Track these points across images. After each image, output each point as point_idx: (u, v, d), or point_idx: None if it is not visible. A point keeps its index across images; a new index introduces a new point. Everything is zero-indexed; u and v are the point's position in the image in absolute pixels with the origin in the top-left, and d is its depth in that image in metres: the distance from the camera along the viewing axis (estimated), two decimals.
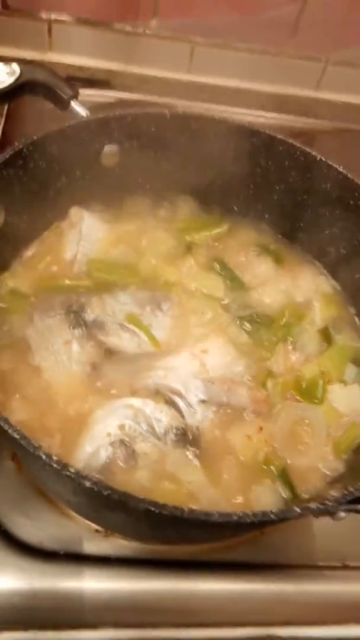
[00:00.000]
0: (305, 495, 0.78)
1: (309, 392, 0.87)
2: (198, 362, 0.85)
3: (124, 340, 0.86)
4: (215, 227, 1.05)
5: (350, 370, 0.90)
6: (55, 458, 0.57)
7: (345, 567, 0.89)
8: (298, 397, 0.87)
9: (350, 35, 1.54)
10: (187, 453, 0.79)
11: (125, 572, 0.84)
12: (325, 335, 0.94)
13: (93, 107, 1.38)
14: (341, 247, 0.99)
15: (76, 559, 0.84)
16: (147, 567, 0.85)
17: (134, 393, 0.82)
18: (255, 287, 0.98)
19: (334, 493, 0.68)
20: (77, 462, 0.75)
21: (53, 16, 1.48)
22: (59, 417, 0.80)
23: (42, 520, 0.86)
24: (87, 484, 0.56)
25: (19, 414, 0.79)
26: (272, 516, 0.58)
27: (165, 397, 0.82)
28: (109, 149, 0.96)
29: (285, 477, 0.79)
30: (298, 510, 0.59)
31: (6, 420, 0.59)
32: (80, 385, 0.83)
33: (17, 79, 0.93)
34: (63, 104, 0.96)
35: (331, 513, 0.64)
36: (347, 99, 1.71)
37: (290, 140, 0.96)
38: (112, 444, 0.76)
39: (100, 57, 1.60)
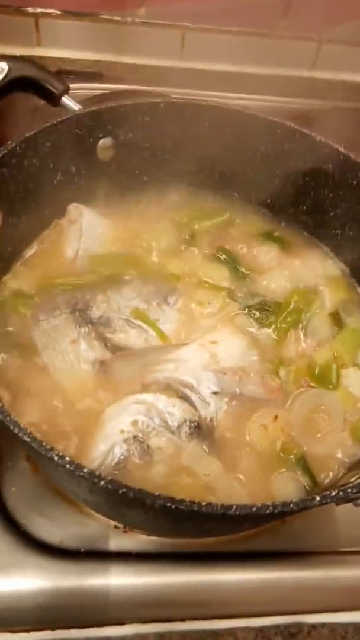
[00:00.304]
0: (325, 482, 0.77)
1: (323, 378, 0.85)
2: (208, 354, 0.84)
3: (132, 336, 0.85)
4: (217, 215, 1.03)
5: None
6: (68, 459, 0.56)
7: None
8: (312, 384, 0.85)
9: (343, 12, 1.51)
10: (202, 445, 0.78)
11: (147, 566, 0.83)
12: (336, 319, 0.92)
13: (86, 101, 1.38)
14: (347, 228, 0.97)
15: (97, 556, 0.83)
16: (169, 561, 0.84)
17: (145, 388, 0.81)
18: (261, 275, 0.96)
19: (355, 479, 0.67)
20: (92, 461, 0.74)
21: (39, 10, 1.46)
22: (71, 416, 0.79)
23: (60, 519, 0.85)
24: (102, 483, 0.55)
25: (31, 415, 0.79)
26: (292, 506, 0.57)
27: (177, 390, 0.81)
28: (104, 142, 0.94)
29: (304, 465, 0.78)
30: (318, 499, 0.58)
31: (16, 424, 0.58)
32: (90, 383, 0.82)
33: (5, 77, 0.91)
34: (54, 100, 0.94)
35: (353, 499, 0.63)
36: (343, 77, 1.69)
37: (289, 123, 0.94)
38: (126, 440, 0.75)
39: (90, 49, 1.59)
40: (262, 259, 0.99)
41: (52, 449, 0.57)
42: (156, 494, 0.55)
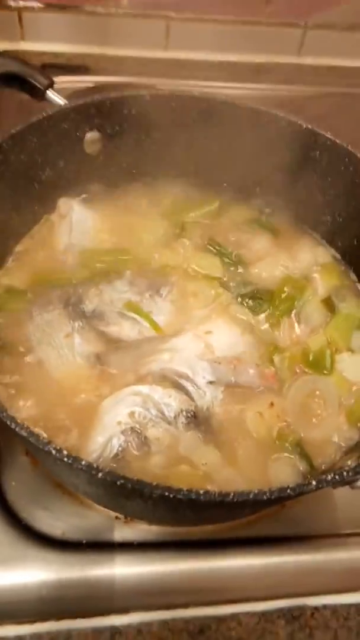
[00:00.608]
0: (322, 467, 0.78)
1: (317, 364, 0.86)
2: (203, 344, 0.85)
3: (125, 329, 0.86)
4: (206, 205, 1.04)
5: (357, 337, 0.90)
6: (65, 452, 0.57)
7: None
8: (307, 370, 0.86)
9: None
10: (199, 435, 0.78)
11: (149, 555, 0.84)
12: (329, 305, 0.93)
13: (72, 94, 1.37)
14: (337, 215, 0.97)
15: (99, 547, 0.84)
16: (171, 549, 0.85)
17: (140, 380, 0.81)
18: (253, 263, 0.97)
19: (351, 462, 0.68)
20: (90, 454, 0.75)
21: (22, 4, 1.45)
22: (69, 410, 0.80)
23: (61, 512, 0.86)
24: (100, 475, 0.56)
25: (29, 410, 0.79)
26: (289, 492, 0.57)
27: (173, 381, 0.81)
28: (91, 136, 0.94)
29: (301, 450, 0.79)
30: (314, 483, 0.59)
31: (13, 419, 0.58)
32: (86, 376, 0.82)
33: None
34: (39, 94, 0.94)
35: (349, 482, 0.64)
36: (330, 62, 1.68)
37: (275, 112, 0.94)
38: (123, 432, 0.76)
39: (74, 41, 1.58)
40: (253, 248, 0.99)
41: (49, 442, 0.57)
42: (154, 483, 0.55)
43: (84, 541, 0.84)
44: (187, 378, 0.81)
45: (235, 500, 0.55)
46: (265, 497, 0.56)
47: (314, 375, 0.86)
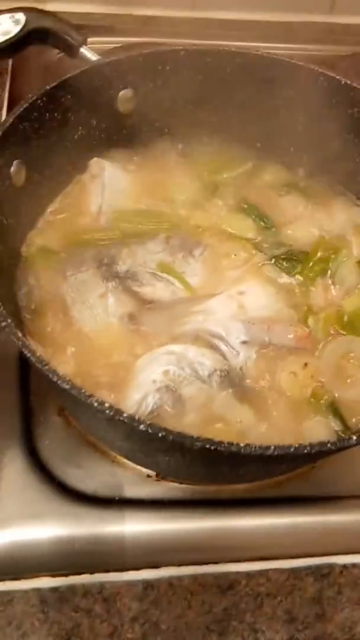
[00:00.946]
0: (358, 426, 0.78)
1: (351, 325, 0.85)
2: (236, 304, 0.84)
3: (159, 289, 0.85)
4: (240, 166, 1.02)
5: None
6: (107, 404, 0.57)
7: None
8: (341, 331, 0.85)
9: None
10: (234, 394, 0.78)
11: (179, 513, 0.85)
12: None
13: (100, 53, 1.35)
14: None
15: (129, 503, 0.85)
16: (201, 507, 0.86)
17: (174, 340, 0.81)
18: (287, 225, 0.95)
19: None
20: (127, 410, 0.75)
21: None
22: (105, 368, 0.80)
23: (94, 470, 0.87)
24: (141, 427, 0.56)
25: (66, 367, 0.79)
26: (329, 446, 0.57)
27: (206, 340, 0.81)
28: (124, 93, 0.93)
29: (335, 410, 0.78)
30: (355, 438, 0.59)
31: (55, 373, 0.59)
32: (120, 336, 0.82)
33: (22, 28, 0.89)
34: (72, 51, 0.92)
35: None
36: None
37: (312, 66, 0.91)
38: (158, 390, 0.76)
39: (99, 2, 1.55)
40: (286, 208, 0.98)
41: (91, 395, 0.58)
42: (195, 436, 0.56)
43: (117, 498, 0.85)
44: (221, 338, 0.81)
45: (276, 453, 0.55)
46: (305, 451, 0.56)
47: (349, 336, 0.85)
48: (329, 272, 0.90)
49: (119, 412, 0.57)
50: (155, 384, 0.76)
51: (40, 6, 1.51)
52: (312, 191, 1.00)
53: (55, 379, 0.59)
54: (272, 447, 0.56)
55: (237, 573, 0.84)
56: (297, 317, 0.86)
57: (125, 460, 0.86)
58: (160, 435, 0.56)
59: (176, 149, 1.02)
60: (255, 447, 0.56)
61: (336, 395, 0.80)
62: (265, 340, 0.82)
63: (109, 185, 0.95)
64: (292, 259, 0.91)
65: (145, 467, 0.84)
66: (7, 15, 0.91)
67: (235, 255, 0.91)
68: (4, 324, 0.64)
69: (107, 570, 0.82)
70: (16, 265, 0.88)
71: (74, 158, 0.95)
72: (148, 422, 0.56)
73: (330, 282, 0.90)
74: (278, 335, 0.83)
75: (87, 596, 0.80)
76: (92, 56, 0.92)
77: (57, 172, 0.94)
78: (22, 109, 0.80)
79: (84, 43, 0.93)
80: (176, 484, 0.86)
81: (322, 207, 0.98)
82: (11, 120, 0.79)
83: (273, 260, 0.90)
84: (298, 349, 0.83)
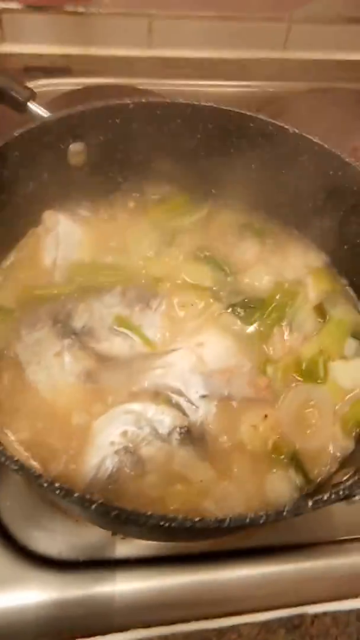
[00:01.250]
0: (319, 479, 0.77)
1: (310, 373, 0.85)
2: (195, 357, 0.84)
3: (116, 345, 0.84)
4: (196, 212, 1.02)
5: (350, 344, 0.89)
6: (57, 485, 0.56)
7: None
8: (300, 379, 0.85)
9: None
10: (194, 451, 0.78)
11: (147, 571, 0.84)
12: (321, 312, 0.92)
13: (55, 100, 1.36)
14: (327, 219, 0.96)
15: (97, 565, 0.84)
16: (170, 564, 0.85)
17: (133, 397, 0.80)
18: (244, 271, 0.96)
19: (346, 477, 0.67)
20: (85, 475, 0.74)
21: (1, 5, 1.42)
22: (62, 431, 0.79)
23: (57, 531, 0.86)
24: (93, 507, 0.55)
25: (21, 433, 0.78)
26: (285, 514, 0.57)
27: (166, 396, 0.80)
28: (75, 147, 0.92)
29: (296, 462, 0.78)
30: (311, 504, 0.58)
31: (3, 453, 0.57)
32: (77, 396, 0.81)
33: None
34: (20, 107, 0.92)
35: (346, 498, 0.63)
36: (317, 56, 1.67)
37: (261, 116, 0.92)
38: (116, 452, 0.75)
39: (56, 42, 1.56)
40: (243, 254, 0.98)
41: (40, 475, 0.56)
42: (148, 513, 0.55)
43: (82, 560, 0.83)
44: (180, 393, 0.80)
45: (231, 525, 0.55)
46: (261, 521, 0.56)
47: (308, 384, 0.85)
48: (286, 318, 0.90)
49: (69, 492, 0.55)
50: (113, 446, 0.75)
51: None
52: (268, 236, 1.01)
53: (3, 459, 0.57)
54: (227, 520, 0.55)
55: (208, 630, 0.82)
56: (256, 366, 0.85)
57: None
58: (113, 514, 0.55)
59: (131, 198, 1.02)
60: (210, 522, 0.55)
61: (297, 446, 0.79)
62: (224, 393, 0.82)
63: (64, 238, 0.94)
64: (249, 306, 0.91)
65: (108, 530, 0.82)
66: None
67: (192, 305, 0.90)
68: None
69: (73, 637, 0.80)
70: None
71: (27, 212, 0.95)
72: (100, 501, 0.55)
73: (287, 328, 0.90)
74: (237, 387, 0.82)
75: None
76: (41, 112, 0.92)
77: (10, 227, 0.93)
78: None
79: (32, 98, 0.92)
80: (143, 542, 0.85)
81: (278, 251, 0.99)
82: None
83: (230, 309, 0.90)
84: (258, 400, 0.82)
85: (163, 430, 0.77)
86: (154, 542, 0.85)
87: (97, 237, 0.97)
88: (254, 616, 0.84)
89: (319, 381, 0.86)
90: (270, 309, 0.91)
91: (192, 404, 0.80)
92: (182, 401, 0.80)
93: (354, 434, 0.83)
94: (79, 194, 0.98)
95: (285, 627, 0.84)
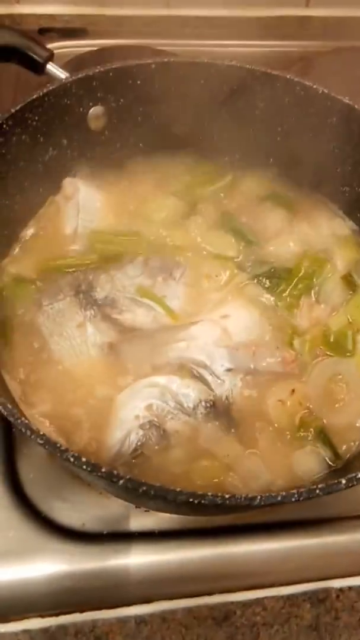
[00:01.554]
0: (347, 455, 0.76)
1: (338, 345, 0.83)
2: (219, 329, 0.81)
3: (139, 316, 0.82)
4: (218, 180, 0.99)
5: None
6: (84, 459, 0.55)
7: None
8: (328, 352, 0.83)
9: None
10: (220, 426, 0.76)
11: (171, 544, 0.83)
12: (349, 282, 0.89)
13: (71, 61, 1.31)
14: (355, 185, 0.92)
15: (120, 537, 0.83)
16: (193, 537, 0.84)
17: (157, 370, 0.79)
18: (269, 240, 0.92)
19: None
20: (109, 449, 0.73)
21: None
22: (84, 403, 0.77)
23: (81, 503, 0.84)
24: (120, 482, 0.54)
25: (43, 405, 0.77)
26: (318, 492, 0.55)
27: (190, 370, 0.78)
28: (95, 110, 0.89)
29: (324, 438, 0.76)
30: (344, 482, 0.56)
31: (28, 426, 0.56)
32: (100, 368, 0.80)
33: None
34: (38, 68, 0.88)
35: None
36: (340, 14, 1.59)
37: (288, 75, 0.88)
38: (141, 426, 0.73)
39: (71, 3, 1.50)
40: (268, 223, 0.95)
41: (67, 450, 0.55)
42: (177, 489, 0.53)
43: (105, 532, 0.83)
44: (205, 366, 0.78)
45: (262, 504, 0.53)
46: (293, 499, 0.54)
47: (336, 357, 0.83)
48: (314, 289, 0.87)
49: (96, 467, 0.54)
50: (138, 420, 0.74)
51: (9, 9, 1.49)
52: (293, 203, 0.97)
53: (29, 433, 0.56)
54: (259, 498, 0.54)
55: (232, 603, 0.82)
56: (283, 339, 0.83)
57: None
58: (140, 490, 0.53)
59: (152, 165, 0.98)
60: (240, 499, 0.53)
61: (325, 421, 0.78)
62: (250, 366, 0.80)
63: (84, 205, 0.92)
64: (275, 277, 0.88)
65: (133, 504, 0.82)
66: None
67: (217, 275, 0.88)
68: None
69: (99, 608, 0.80)
70: None
71: (46, 179, 0.92)
72: (127, 477, 0.54)
73: (315, 299, 0.87)
74: (263, 360, 0.80)
75: (78, 636, 0.78)
76: (60, 73, 0.88)
77: (29, 195, 0.91)
78: None
79: (50, 59, 0.88)
80: (166, 515, 0.84)
81: (304, 219, 0.96)
82: None
83: (256, 280, 0.87)
84: (285, 374, 0.80)
85: (188, 404, 0.76)
86: (176, 516, 0.84)
87: (117, 205, 0.94)
88: (279, 590, 0.83)
89: (347, 354, 0.83)
90: (296, 279, 0.88)
91: (218, 377, 0.78)
92: (207, 375, 0.78)
93: None
94: (99, 161, 0.95)
95: (310, 601, 0.83)
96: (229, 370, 0.79)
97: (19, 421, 0.56)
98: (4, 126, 0.80)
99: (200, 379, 0.77)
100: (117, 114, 0.91)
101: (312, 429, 0.77)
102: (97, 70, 0.86)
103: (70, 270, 0.87)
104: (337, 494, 0.89)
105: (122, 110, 0.91)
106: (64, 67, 0.91)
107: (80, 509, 0.84)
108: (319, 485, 0.56)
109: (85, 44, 1.46)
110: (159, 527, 0.84)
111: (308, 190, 0.99)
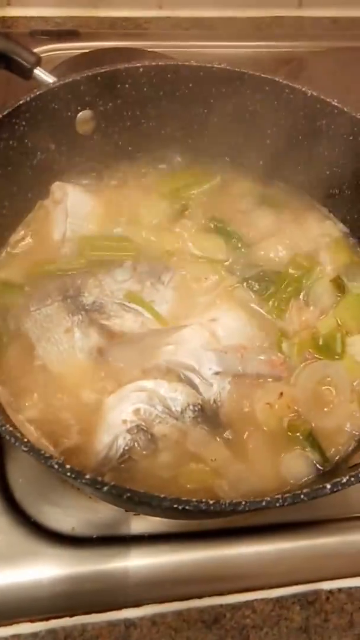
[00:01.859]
0: (336, 458, 0.76)
1: (327, 348, 0.83)
2: (208, 333, 0.81)
3: (127, 321, 0.82)
4: (208, 181, 0.98)
5: None
6: (68, 467, 0.55)
7: None
8: (317, 355, 0.83)
9: None
10: (208, 429, 0.76)
11: (161, 547, 0.83)
12: (339, 285, 0.89)
13: (62, 64, 1.31)
14: (345, 187, 0.92)
15: (111, 540, 0.83)
16: (183, 540, 0.84)
17: (145, 374, 0.79)
18: (258, 243, 0.92)
19: None
20: (97, 454, 0.73)
21: None
22: (73, 408, 0.77)
23: (71, 507, 0.85)
24: (105, 489, 0.54)
25: (31, 410, 0.77)
26: (302, 497, 0.55)
27: (178, 374, 0.78)
28: (83, 115, 0.89)
29: (312, 441, 0.76)
30: (329, 487, 0.56)
31: (12, 434, 0.56)
32: (88, 373, 0.79)
33: None
34: (26, 73, 0.88)
35: None
36: (333, 14, 1.59)
37: (277, 78, 0.88)
38: (129, 430, 0.73)
39: (63, 5, 1.50)
40: (258, 225, 0.95)
41: (51, 457, 0.55)
42: (161, 495, 0.53)
43: (95, 536, 0.83)
44: (193, 370, 0.78)
45: (246, 509, 0.53)
46: (278, 504, 0.54)
47: (325, 360, 0.83)
48: (303, 292, 0.87)
49: (80, 474, 0.54)
50: (125, 424, 0.74)
51: None
52: (283, 206, 0.97)
53: (13, 440, 0.56)
54: (243, 503, 0.54)
55: (222, 606, 0.82)
56: (271, 342, 0.83)
57: None
58: (125, 497, 0.53)
59: (141, 168, 0.98)
60: (225, 504, 0.53)
61: (313, 425, 0.77)
62: (238, 369, 0.80)
63: (73, 210, 0.91)
64: (264, 280, 0.88)
65: (122, 508, 0.82)
66: None
67: (205, 278, 0.88)
68: None
69: (88, 612, 0.80)
70: None
71: (35, 184, 0.92)
72: (112, 484, 0.54)
73: (304, 302, 0.87)
74: (252, 363, 0.80)
75: None
76: (47, 78, 0.88)
77: (18, 200, 0.91)
78: None
79: (38, 64, 0.88)
80: (156, 518, 0.84)
81: (294, 222, 0.95)
82: None
83: (245, 283, 0.87)
84: (273, 377, 0.80)
85: (176, 407, 0.76)
86: (166, 520, 0.84)
87: (106, 209, 0.94)
88: (268, 592, 0.83)
89: (336, 357, 0.83)
90: (286, 282, 0.88)
91: (206, 381, 0.78)
92: (195, 378, 0.78)
93: None
94: (88, 165, 0.95)
95: (299, 604, 0.83)
96: (217, 373, 0.79)
97: (3, 428, 0.56)
98: None
99: (188, 382, 0.77)
100: (106, 117, 0.91)
101: (300, 432, 0.77)
102: (84, 75, 0.86)
103: (58, 274, 0.87)
104: (328, 497, 0.90)
105: (110, 114, 0.91)
106: (55, 69, 0.92)
107: (69, 513, 0.84)
108: (304, 490, 0.56)
109: (76, 46, 1.46)
110: (149, 530, 0.84)
111: (297, 193, 0.99)
